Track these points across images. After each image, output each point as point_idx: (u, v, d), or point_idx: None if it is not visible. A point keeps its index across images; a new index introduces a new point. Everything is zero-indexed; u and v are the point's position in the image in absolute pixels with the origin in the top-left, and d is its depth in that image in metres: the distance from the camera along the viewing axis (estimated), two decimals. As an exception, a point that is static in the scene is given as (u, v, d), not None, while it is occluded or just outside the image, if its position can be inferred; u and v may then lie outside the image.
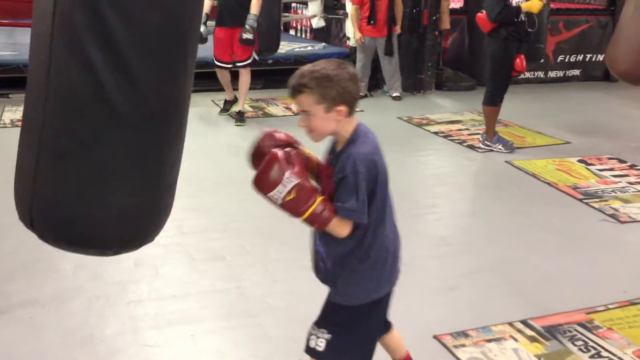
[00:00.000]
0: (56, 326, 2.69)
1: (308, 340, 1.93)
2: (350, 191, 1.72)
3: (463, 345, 2.62)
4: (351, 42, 8.20)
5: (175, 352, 2.56)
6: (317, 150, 1.94)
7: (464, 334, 2.70)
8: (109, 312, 2.81)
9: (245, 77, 6.18)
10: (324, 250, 1.87)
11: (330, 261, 1.87)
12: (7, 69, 7.06)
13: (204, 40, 5.67)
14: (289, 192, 1.66)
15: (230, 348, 2.62)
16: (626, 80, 5.32)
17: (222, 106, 6.59)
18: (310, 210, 1.70)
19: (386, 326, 2.11)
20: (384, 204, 1.83)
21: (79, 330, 2.66)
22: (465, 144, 5.77)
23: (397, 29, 7.34)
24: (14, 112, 6.40)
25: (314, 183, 1.79)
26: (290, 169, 1.67)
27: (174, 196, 1.62)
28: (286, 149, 1.73)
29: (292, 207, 1.70)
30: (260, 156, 1.75)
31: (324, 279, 1.94)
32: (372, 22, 7.20)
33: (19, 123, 5.85)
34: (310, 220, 1.73)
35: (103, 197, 1.45)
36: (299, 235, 3.74)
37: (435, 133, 6.17)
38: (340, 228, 1.77)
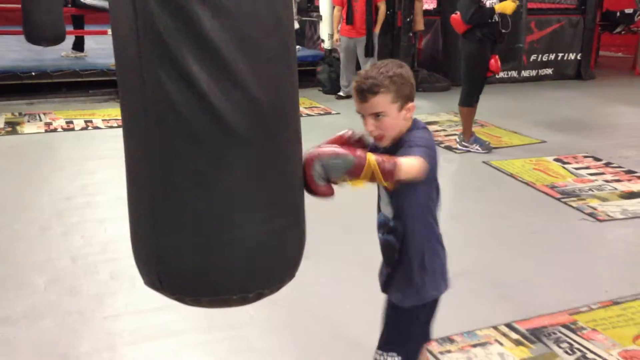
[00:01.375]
0: (29, 344, 2.60)
1: None
2: (413, 147, 1.63)
3: (449, 352, 2.59)
4: (325, 45, 8.18)
5: (155, 368, 2.49)
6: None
7: (449, 339, 2.67)
8: (84, 328, 2.72)
9: None
10: (401, 239, 1.78)
11: (405, 252, 1.78)
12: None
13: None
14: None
15: (212, 362, 2.55)
16: None
17: None
18: (366, 165, 1.46)
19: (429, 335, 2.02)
20: (437, 192, 1.81)
21: (53, 348, 2.57)
22: (442, 145, 5.76)
23: (377, 29, 7.31)
24: (-18, 122, 6.24)
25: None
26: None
27: (305, 217, 1.43)
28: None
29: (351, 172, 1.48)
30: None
31: (392, 284, 1.84)
32: (349, 22, 7.21)
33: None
34: (372, 175, 1.49)
35: (231, 231, 1.26)
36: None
37: (412, 135, 6.15)
38: (412, 168, 1.56)
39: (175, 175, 1.25)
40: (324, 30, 8.13)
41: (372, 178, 1.49)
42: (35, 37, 6.51)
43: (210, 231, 1.27)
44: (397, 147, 1.69)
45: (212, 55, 1.19)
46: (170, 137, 1.23)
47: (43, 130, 6.02)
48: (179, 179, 1.25)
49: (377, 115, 1.66)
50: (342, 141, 1.66)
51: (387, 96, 1.64)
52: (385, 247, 1.85)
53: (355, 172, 1.46)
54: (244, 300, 1.36)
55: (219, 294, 1.33)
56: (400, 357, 1.80)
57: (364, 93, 1.65)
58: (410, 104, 1.70)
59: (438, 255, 1.86)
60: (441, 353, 2.58)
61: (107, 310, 2.86)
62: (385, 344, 1.85)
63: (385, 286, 1.90)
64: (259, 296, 1.38)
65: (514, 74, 8.98)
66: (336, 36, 7.30)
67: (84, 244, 3.55)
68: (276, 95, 1.29)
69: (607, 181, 4.75)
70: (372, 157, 1.47)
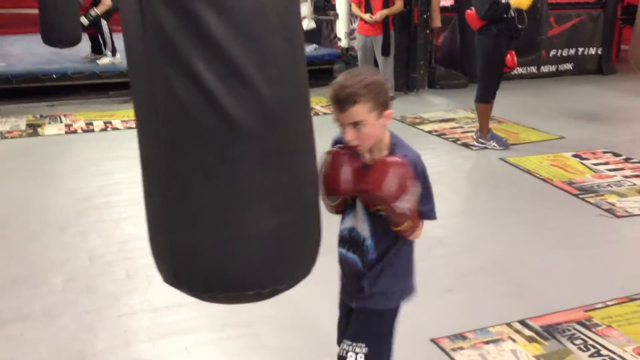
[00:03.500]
0: (47, 342, 2.65)
1: (344, 357, 1.85)
2: (426, 192, 1.75)
3: (461, 348, 2.58)
4: (342, 43, 8.18)
5: (169, 365, 2.52)
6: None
7: (462, 336, 2.66)
8: (100, 326, 2.76)
9: None
10: (375, 255, 1.80)
11: (380, 263, 1.81)
12: (-5, 80, 7.02)
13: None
14: (411, 201, 1.64)
15: (225, 359, 2.57)
16: None
17: None
18: (412, 218, 1.69)
19: None
20: None
21: (70, 345, 2.62)
22: (459, 142, 5.73)
23: (379, 14, 6.99)
24: (3, 124, 6.35)
25: None
26: (412, 176, 1.65)
27: (320, 212, 1.44)
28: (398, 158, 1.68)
29: (407, 216, 1.66)
30: (340, 174, 1.65)
31: (359, 286, 1.85)
32: (369, 21, 7.12)
33: (9, 135, 5.88)
34: (410, 228, 1.72)
35: (242, 226, 1.28)
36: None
37: (429, 132, 6.14)
38: (420, 230, 1.78)
39: (186, 172, 1.27)
40: (340, 28, 8.12)
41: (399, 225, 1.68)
42: (52, 39, 6.64)
43: (221, 226, 1.28)
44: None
45: (217, 54, 1.21)
46: (180, 134, 1.26)
47: (64, 132, 6.11)
48: (189, 175, 1.27)
49: (356, 124, 1.66)
50: (343, 156, 1.69)
51: (366, 105, 1.64)
52: (346, 265, 1.86)
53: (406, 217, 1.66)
54: (259, 295, 1.38)
55: (233, 289, 1.35)
56: (367, 348, 1.82)
57: (342, 103, 1.65)
58: (387, 112, 1.70)
59: (409, 263, 1.89)
60: (453, 350, 2.57)
61: (123, 308, 2.90)
62: (354, 336, 1.86)
63: (353, 294, 1.89)
64: (274, 292, 1.39)
65: (534, 69, 8.90)
66: (366, 16, 7.04)
67: (101, 243, 3.60)
68: (282, 91, 1.30)
69: (626, 177, 4.69)
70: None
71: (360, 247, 1.81)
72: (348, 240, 1.83)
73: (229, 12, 1.21)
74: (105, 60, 7.65)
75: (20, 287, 3.10)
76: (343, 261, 1.87)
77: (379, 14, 6.98)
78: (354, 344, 1.84)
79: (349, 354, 1.83)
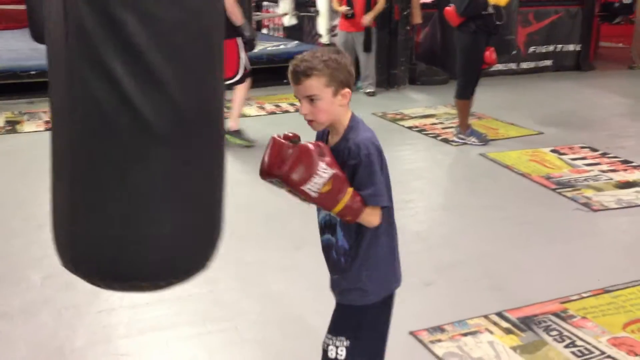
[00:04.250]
0: (26, 339, 2.64)
1: (326, 351, 1.85)
2: (369, 176, 1.70)
3: (439, 341, 2.62)
4: (323, 40, 8.19)
5: (148, 361, 2.53)
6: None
7: (440, 328, 2.70)
8: (79, 323, 2.75)
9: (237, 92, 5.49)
10: (347, 244, 1.80)
11: (353, 255, 1.80)
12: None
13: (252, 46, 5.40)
14: (325, 184, 1.62)
15: (206, 354, 2.58)
16: None
17: None
18: (344, 201, 1.65)
19: None
20: (389, 190, 1.80)
21: (49, 342, 2.61)
22: (439, 138, 5.78)
23: (366, 19, 7.08)
24: (-17, 121, 6.29)
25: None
26: (323, 160, 1.64)
27: (223, 214, 1.49)
28: (314, 141, 1.69)
29: (328, 199, 1.65)
30: (277, 155, 1.67)
31: (339, 280, 1.86)
32: (348, 15, 7.15)
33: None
34: (343, 212, 1.68)
35: (147, 224, 1.32)
36: (272, 238, 3.75)
37: (410, 128, 6.18)
38: (372, 216, 1.73)
39: (96, 169, 1.31)
40: (321, 25, 8.14)
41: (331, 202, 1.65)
42: (41, 36, 6.55)
43: (125, 224, 1.33)
44: (343, 142, 1.73)
45: (135, 58, 1.25)
46: (94, 133, 1.29)
47: (43, 129, 6.06)
48: (99, 173, 1.31)
49: (311, 99, 1.69)
50: (281, 142, 1.68)
51: (321, 79, 1.67)
52: (326, 251, 1.87)
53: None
54: (155, 286, 1.43)
55: (130, 280, 1.40)
56: (349, 342, 1.82)
57: (298, 75, 1.68)
58: (345, 90, 1.71)
59: (390, 253, 1.87)
60: (432, 342, 2.60)
61: (103, 305, 2.89)
62: (333, 330, 1.87)
63: (333, 286, 1.91)
64: (170, 284, 1.44)
65: (513, 66, 8.97)
66: (343, 8, 7.08)
67: (81, 240, 3.58)
68: (198, 99, 1.35)
69: (603, 171, 4.76)
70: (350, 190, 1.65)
71: (334, 228, 1.82)
72: (324, 226, 1.85)
73: (150, 19, 1.25)
74: None
75: (-1, 284, 3.08)
76: (324, 247, 1.87)
77: (366, 19, 7.03)
78: (334, 338, 1.85)
79: (330, 347, 1.84)
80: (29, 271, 3.18)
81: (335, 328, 1.87)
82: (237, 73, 5.36)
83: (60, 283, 3.07)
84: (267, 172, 1.67)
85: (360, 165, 1.69)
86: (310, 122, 1.74)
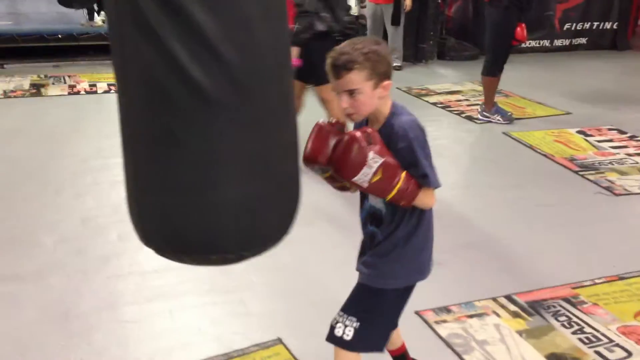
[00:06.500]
0: (34, 302, 2.67)
1: (333, 327, 1.83)
2: (421, 158, 1.67)
3: (444, 321, 2.58)
4: (352, 11, 8.06)
5: (151, 329, 2.53)
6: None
7: (447, 309, 2.66)
8: (87, 288, 2.78)
9: None
10: (389, 232, 1.78)
11: (389, 239, 1.78)
12: (2, 38, 7.00)
13: None
14: (375, 173, 1.60)
15: (209, 324, 2.58)
16: None
17: None
18: (397, 187, 1.63)
19: None
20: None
21: (55, 306, 2.64)
22: (463, 115, 5.67)
23: None
24: (7, 83, 6.35)
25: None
26: (373, 149, 1.60)
27: (299, 184, 1.44)
28: (362, 128, 1.65)
29: (380, 187, 1.63)
30: (323, 143, 1.65)
31: (371, 261, 1.83)
32: None
33: (12, 94, 5.89)
34: (397, 197, 1.65)
35: (207, 193, 1.29)
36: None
37: (434, 104, 6.08)
38: (428, 198, 1.70)
39: (154, 136, 1.28)
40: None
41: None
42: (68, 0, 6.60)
43: (187, 192, 1.29)
44: (385, 130, 1.68)
45: (182, 18, 1.21)
46: (148, 100, 1.26)
47: (66, 93, 6.10)
48: (156, 140, 1.28)
49: (351, 92, 1.64)
50: (327, 130, 1.66)
51: (362, 73, 1.62)
52: (366, 237, 1.85)
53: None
54: (224, 260, 1.39)
55: (199, 252, 1.36)
56: (359, 323, 1.80)
57: (338, 69, 1.63)
58: (386, 82, 1.67)
59: (425, 242, 1.83)
60: (436, 322, 2.57)
61: (111, 271, 2.92)
62: (346, 309, 1.85)
63: (361, 267, 1.87)
64: (240, 258, 1.40)
65: (546, 43, 8.74)
66: None
67: (95, 205, 3.61)
68: (252, 59, 1.27)
69: (629, 155, 4.62)
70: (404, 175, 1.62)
71: (379, 219, 1.79)
72: (368, 218, 1.83)
73: None
74: (99, 22, 7.65)
75: (13, 246, 3.13)
76: (365, 233, 1.86)
77: None
78: (345, 316, 1.82)
79: (338, 324, 1.82)
80: (42, 235, 3.22)
81: (350, 307, 1.84)
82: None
83: (72, 248, 3.11)
84: (312, 160, 1.65)
85: (410, 148, 1.66)
86: (349, 115, 1.69)
